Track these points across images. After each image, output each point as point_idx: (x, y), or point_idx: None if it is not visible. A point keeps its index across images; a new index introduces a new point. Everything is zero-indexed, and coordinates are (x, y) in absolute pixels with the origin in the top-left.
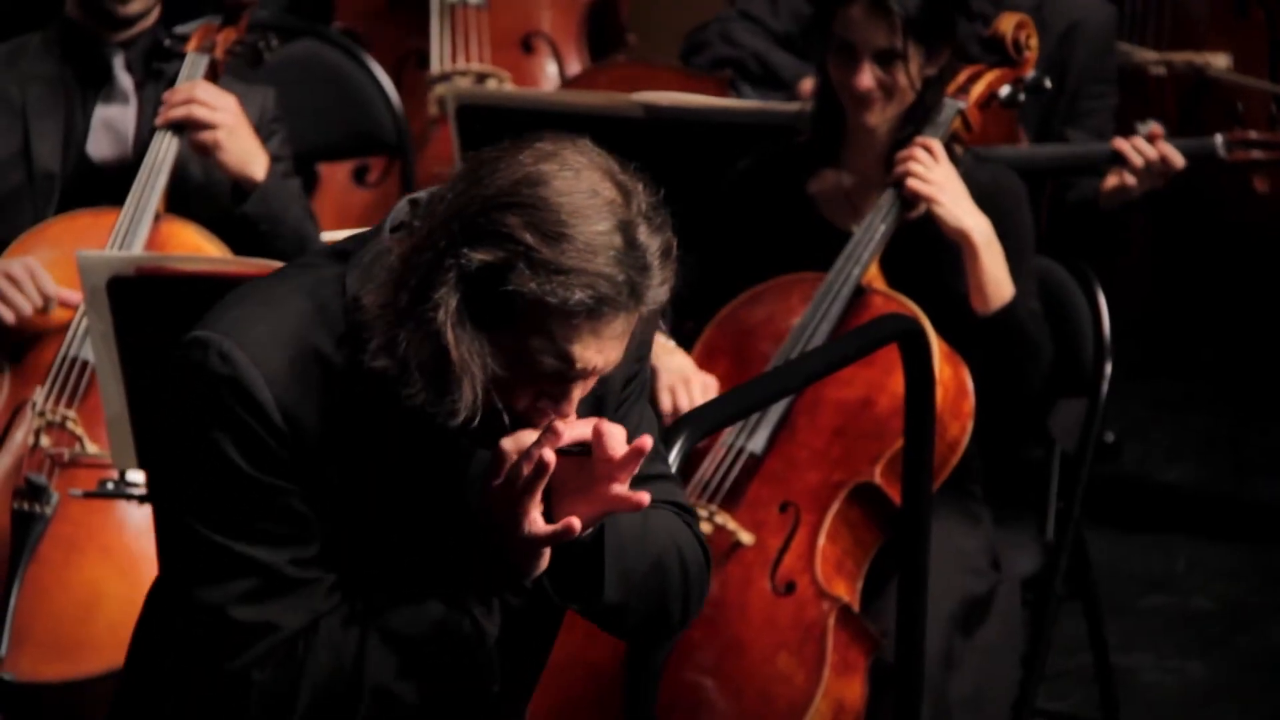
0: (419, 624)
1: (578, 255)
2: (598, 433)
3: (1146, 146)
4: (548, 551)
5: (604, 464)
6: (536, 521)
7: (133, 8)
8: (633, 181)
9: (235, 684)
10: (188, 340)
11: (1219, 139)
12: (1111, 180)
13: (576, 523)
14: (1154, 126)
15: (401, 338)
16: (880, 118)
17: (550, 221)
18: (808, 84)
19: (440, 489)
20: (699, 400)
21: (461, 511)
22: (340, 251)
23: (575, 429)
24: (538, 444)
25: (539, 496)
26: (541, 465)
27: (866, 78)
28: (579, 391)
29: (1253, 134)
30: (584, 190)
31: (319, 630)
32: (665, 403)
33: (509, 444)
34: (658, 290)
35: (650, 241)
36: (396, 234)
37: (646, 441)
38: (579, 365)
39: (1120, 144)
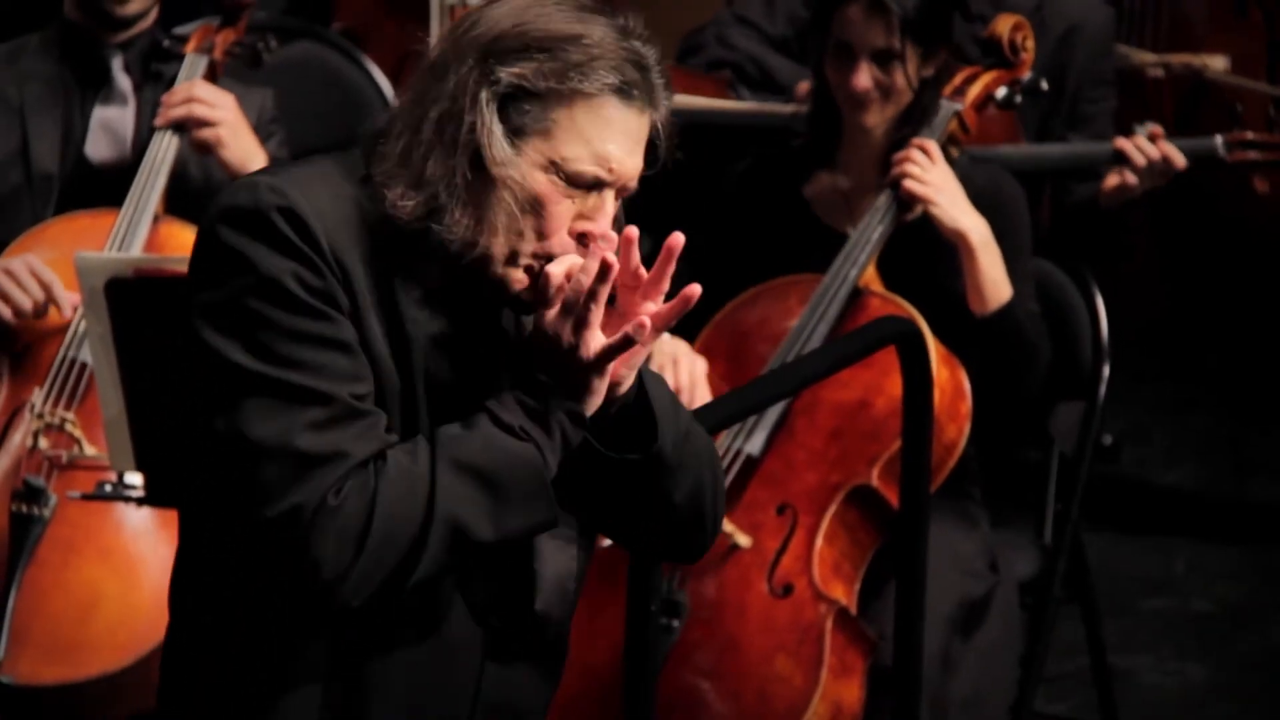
0: (488, 452)
1: (593, 48)
2: (627, 239)
3: (1148, 146)
4: (605, 380)
5: (629, 293)
6: (598, 338)
7: (131, 8)
8: (604, 7)
9: (308, 515)
10: (227, 189)
11: (1219, 140)
12: (1112, 180)
13: (646, 320)
14: (1154, 126)
15: (430, 170)
16: (877, 118)
17: (562, 30)
18: (804, 87)
19: (478, 356)
20: (685, 382)
21: (500, 375)
22: (353, 142)
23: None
24: (590, 253)
25: (602, 306)
26: (604, 271)
27: (864, 78)
28: (611, 206)
29: (1251, 135)
30: (574, 10)
31: (388, 459)
32: None
33: (556, 269)
34: (663, 94)
35: (645, 48)
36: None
37: (678, 237)
38: (614, 165)
39: (1122, 143)
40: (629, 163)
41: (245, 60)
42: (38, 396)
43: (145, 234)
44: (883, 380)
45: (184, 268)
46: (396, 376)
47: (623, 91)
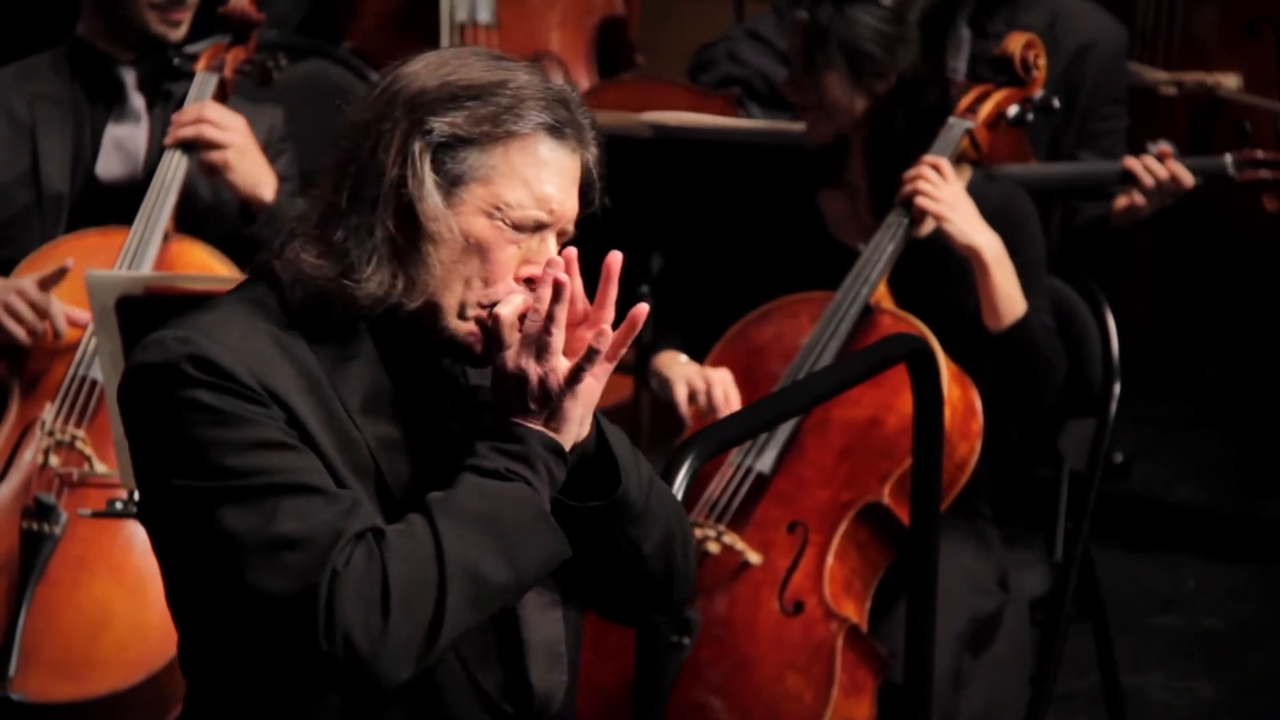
0: (482, 499)
1: (521, 90)
2: (568, 259)
3: (1157, 165)
4: (578, 406)
5: (576, 327)
6: (565, 362)
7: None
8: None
9: (323, 589)
10: (138, 348)
11: (1228, 158)
12: (1122, 201)
13: (607, 328)
14: (1163, 145)
15: (345, 230)
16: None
17: (486, 78)
18: None
19: (428, 424)
20: (718, 396)
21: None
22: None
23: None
24: (541, 282)
25: (563, 328)
26: (559, 290)
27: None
28: (553, 248)
29: (1260, 154)
30: (492, 60)
31: (384, 532)
32: (683, 400)
33: (505, 310)
34: (590, 133)
35: (567, 89)
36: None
37: (616, 256)
38: (554, 206)
39: (1131, 163)
40: (568, 203)
41: (255, 78)
42: (49, 414)
43: (155, 252)
44: (894, 398)
45: (194, 285)
46: (356, 481)
47: (555, 130)
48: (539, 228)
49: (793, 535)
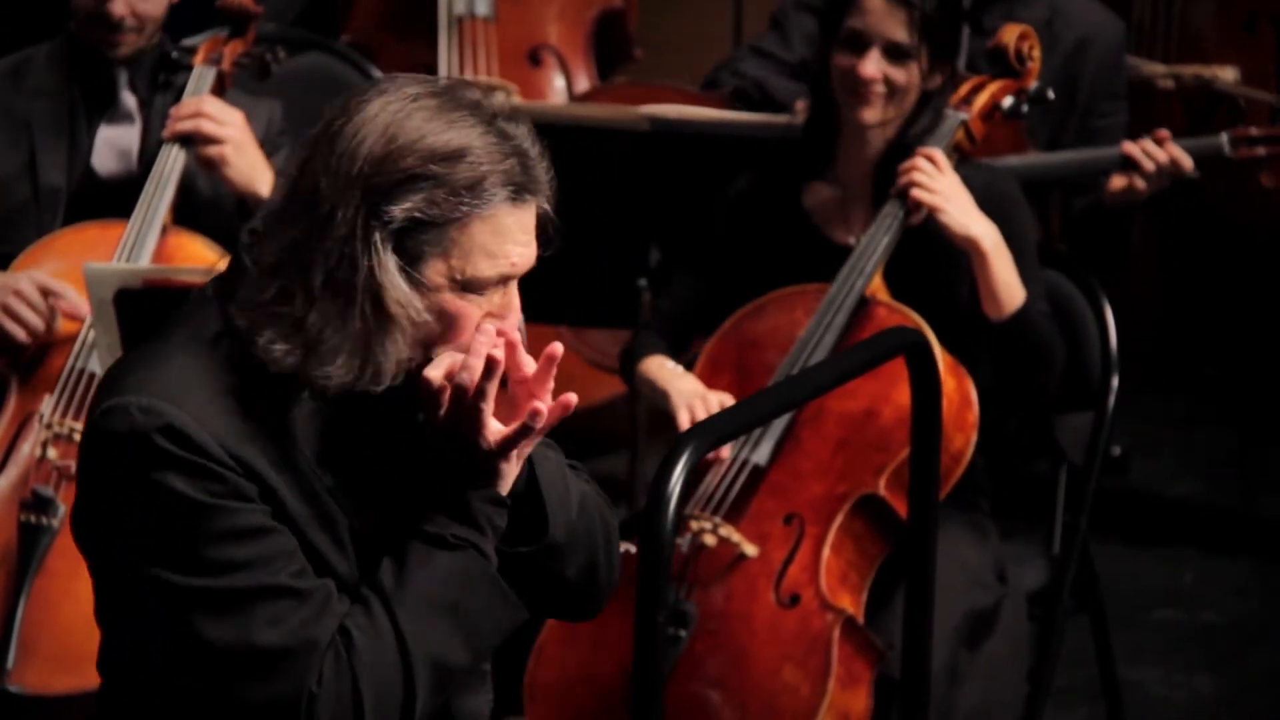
0: (432, 579)
1: (478, 164)
2: (510, 345)
3: (1156, 149)
4: (511, 463)
5: (521, 385)
6: (495, 428)
7: (123, 51)
8: (458, 89)
9: (294, 708)
10: (100, 413)
11: (1224, 137)
12: (1119, 182)
13: (541, 406)
14: (1161, 130)
15: (318, 318)
16: (877, 115)
17: (439, 148)
18: (802, 105)
19: (380, 469)
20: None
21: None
22: (204, 297)
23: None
24: (471, 351)
25: (492, 400)
26: (490, 369)
27: (872, 66)
28: (515, 294)
29: (1255, 130)
30: (438, 114)
31: (350, 633)
32: (685, 422)
33: (434, 373)
34: (544, 174)
35: (515, 130)
36: (253, 253)
37: (557, 348)
38: (516, 261)
39: (1130, 148)
40: (529, 254)
41: (253, 71)
42: (47, 406)
43: (153, 245)
44: (889, 390)
45: (193, 278)
46: (320, 530)
47: (515, 198)
48: (503, 281)
49: (789, 527)
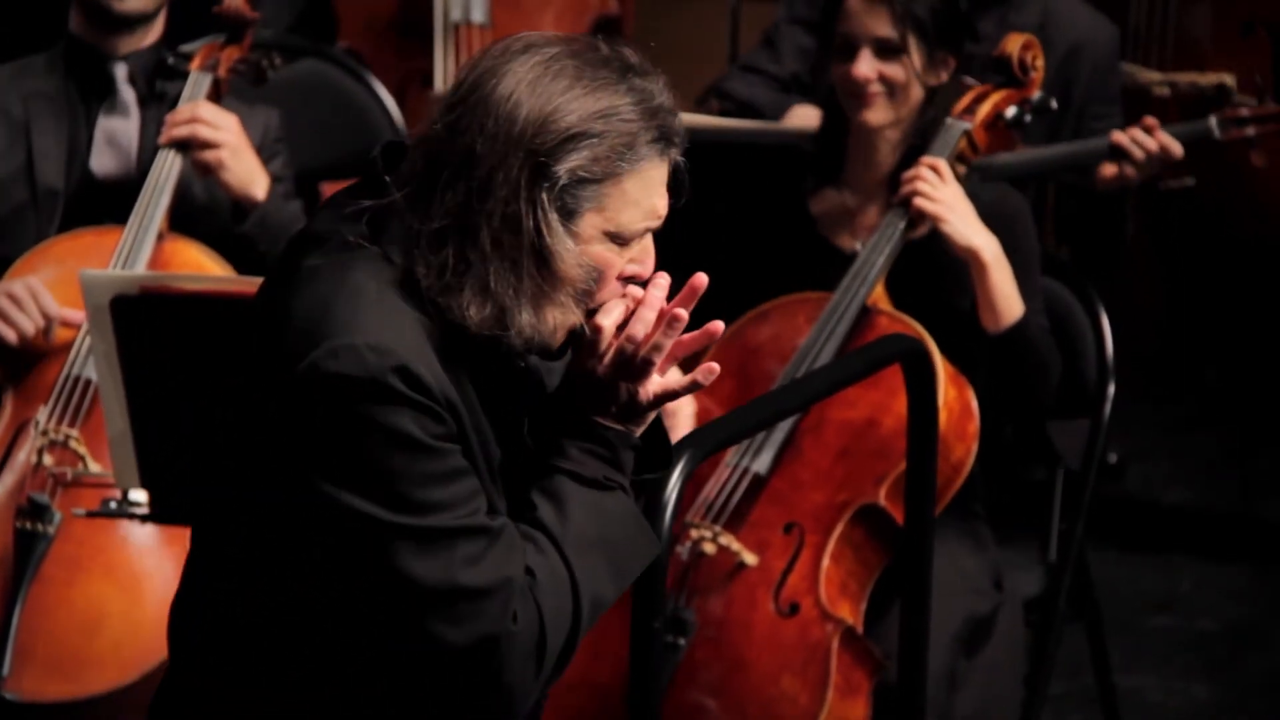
0: (591, 520)
1: (630, 121)
2: (693, 289)
3: (1145, 138)
4: (654, 414)
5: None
6: (656, 381)
7: (131, 5)
8: (589, 46)
9: (500, 645)
10: (324, 353)
11: (1213, 120)
12: (1110, 169)
13: (716, 367)
14: (1148, 118)
15: (495, 279)
16: (881, 116)
17: (593, 109)
18: (794, 114)
19: (517, 413)
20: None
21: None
22: (355, 231)
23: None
24: (646, 304)
25: (665, 355)
26: (674, 323)
27: (864, 65)
28: (652, 245)
29: (1244, 110)
30: (584, 73)
31: (534, 571)
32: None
33: (606, 321)
34: (679, 127)
35: (654, 85)
36: (402, 190)
37: (701, 279)
38: (660, 213)
39: (1119, 137)
40: (666, 204)
41: (250, 78)
42: (42, 414)
43: (150, 252)
44: (890, 399)
45: (189, 285)
46: (484, 465)
47: (662, 152)
48: (644, 234)
49: (789, 536)
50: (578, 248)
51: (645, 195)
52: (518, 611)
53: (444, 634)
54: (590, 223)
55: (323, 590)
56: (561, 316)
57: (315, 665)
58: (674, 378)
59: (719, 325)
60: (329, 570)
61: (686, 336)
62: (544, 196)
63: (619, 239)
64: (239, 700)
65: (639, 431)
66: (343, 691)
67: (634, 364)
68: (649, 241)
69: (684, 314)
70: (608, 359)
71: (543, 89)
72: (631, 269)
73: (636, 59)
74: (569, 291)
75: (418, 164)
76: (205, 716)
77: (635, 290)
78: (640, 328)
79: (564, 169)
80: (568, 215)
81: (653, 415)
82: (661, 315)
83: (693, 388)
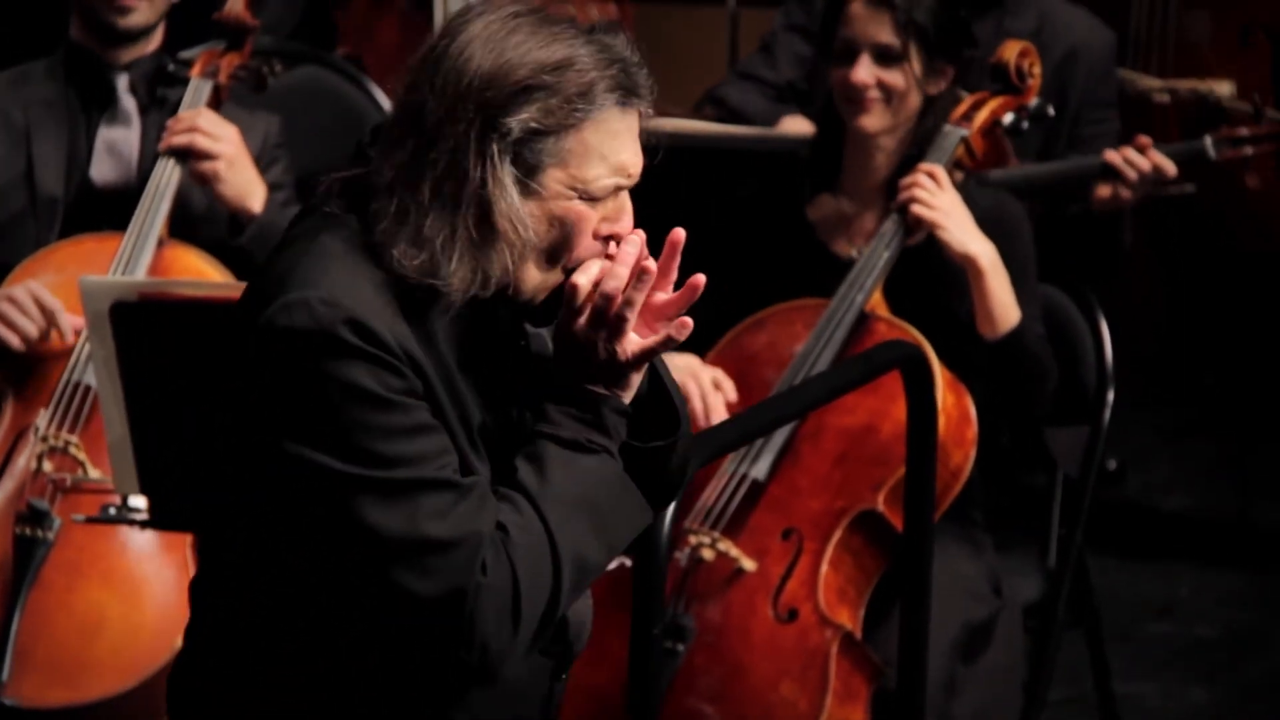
0: (572, 481)
1: (586, 71)
2: (672, 243)
3: (1137, 157)
4: (640, 373)
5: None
6: (634, 340)
7: (133, 20)
8: (552, 7)
9: (467, 599)
10: (277, 308)
11: (1207, 140)
12: (1104, 191)
13: (689, 320)
14: (1142, 137)
15: (430, 228)
16: (876, 122)
17: (548, 60)
18: (786, 125)
19: (505, 378)
20: (709, 390)
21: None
22: (330, 213)
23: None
24: (619, 260)
25: (638, 311)
26: (644, 276)
27: (863, 71)
28: (628, 203)
29: (1239, 131)
30: (540, 28)
31: (507, 527)
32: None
33: (581, 279)
34: (646, 79)
35: (614, 40)
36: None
37: (679, 233)
38: (630, 169)
39: (1111, 156)
40: (639, 161)
41: (250, 84)
42: (42, 419)
43: (149, 258)
44: (888, 405)
45: (189, 291)
46: (460, 427)
47: (622, 102)
48: (617, 190)
49: (787, 542)
50: (530, 203)
51: (610, 149)
52: (487, 563)
53: (410, 585)
54: (554, 178)
55: (311, 561)
56: (540, 276)
57: (314, 636)
58: (653, 337)
59: (700, 278)
60: (310, 538)
61: (670, 297)
62: (494, 148)
63: (587, 195)
64: (248, 675)
65: (626, 395)
66: (337, 662)
67: (608, 319)
68: (625, 200)
69: (653, 266)
70: (585, 318)
71: (496, 44)
72: (607, 228)
73: (601, 23)
74: (502, 246)
75: (385, 127)
76: (219, 691)
77: (614, 249)
78: (613, 283)
79: (514, 121)
80: (528, 171)
81: (637, 377)
82: (642, 270)
83: (668, 343)
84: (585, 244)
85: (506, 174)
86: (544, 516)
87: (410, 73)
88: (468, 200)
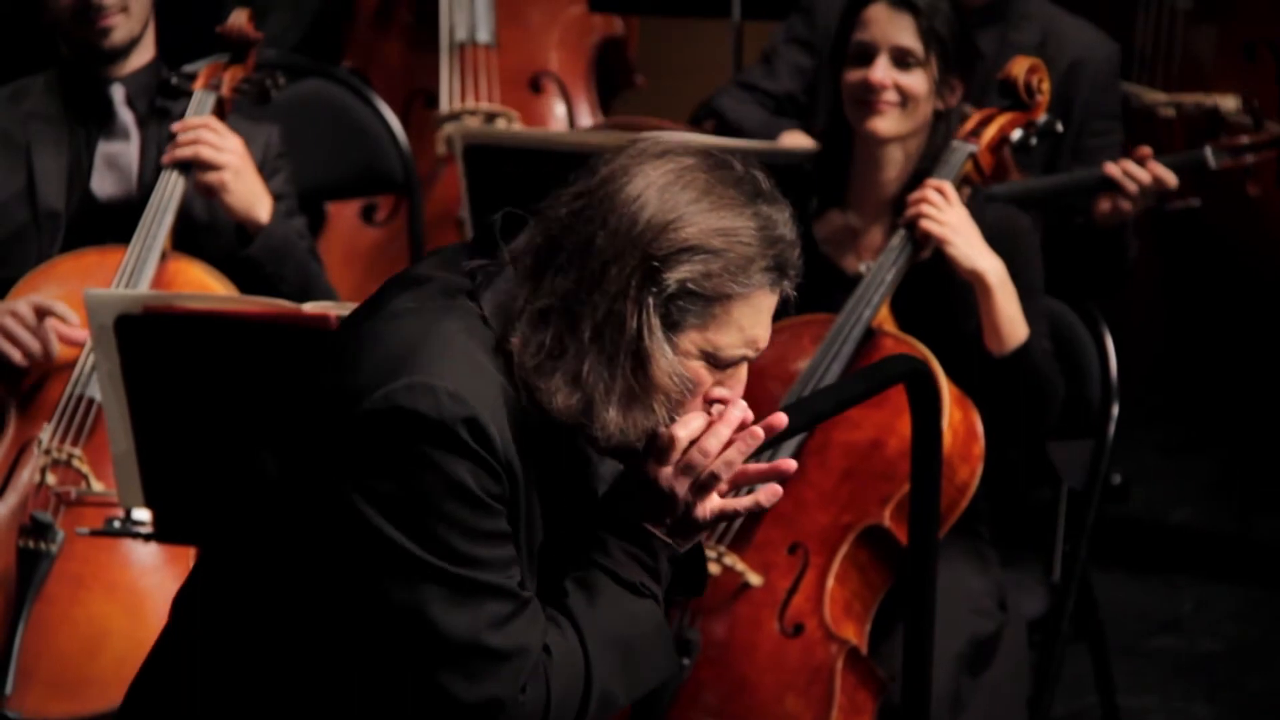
0: (622, 621)
1: (749, 246)
2: (784, 470)
3: (1137, 169)
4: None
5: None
6: (715, 500)
7: (115, 38)
8: (725, 164)
9: (505, 711)
10: (404, 387)
11: (1208, 150)
12: (1105, 204)
13: (779, 489)
14: (1142, 148)
15: (588, 372)
16: (889, 126)
17: (715, 226)
18: (785, 140)
19: (564, 500)
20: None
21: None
22: (457, 284)
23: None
24: (724, 420)
25: (730, 478)
26: (750, 440)
27: (880, 71)
28: (745, 373)
29: (1239, 140)
30: (714, 189)
31: (551, 650)
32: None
33: (681, 432)
34: (796, 262)
35: (778, 215)
36: (514, 260)
37: (781, 418)
38: (760, 345)
39: (1111, 169)
40: (768, 336)
41: (253, 97)
42: (46, 432)
43: (153, 271)
44: (895, 420)
45: (193, 304)
46: (525, 545)
47: (774, 284)
48: (739, 363)
49: (793, 557)
50: (676, 358)
51: (749, 322)
52: (527, 685)
53: (453, 686)
54: (690, 339)
55: (335, 620)
56: (645, 422)
57: (304, 686)
58: (734, 499)
59: (791, 464)
60: (346, 601)
61: (753, 467)
62: (650, 300)
63: (715, 360)
64: (217, 701)
65: (685, 547)
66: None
67: (700, 477)
68: (743, 370)
69: (761, 433)
70: (674, 469)
71: (670, 196)
72: (719, 392)
73: (768, 185)
74: (660, 399)
75: (536, 240)
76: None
77: (716, 410)
78: (714, 442)
79: (674, 278)
80: (671, 326)
81: (702, 535)
82: (746, 438)
83: (753, 508)
84: (695, 405)
85: (657, 326)
86: (586, 650)
87: (576, 198)
88: (626, 350)
